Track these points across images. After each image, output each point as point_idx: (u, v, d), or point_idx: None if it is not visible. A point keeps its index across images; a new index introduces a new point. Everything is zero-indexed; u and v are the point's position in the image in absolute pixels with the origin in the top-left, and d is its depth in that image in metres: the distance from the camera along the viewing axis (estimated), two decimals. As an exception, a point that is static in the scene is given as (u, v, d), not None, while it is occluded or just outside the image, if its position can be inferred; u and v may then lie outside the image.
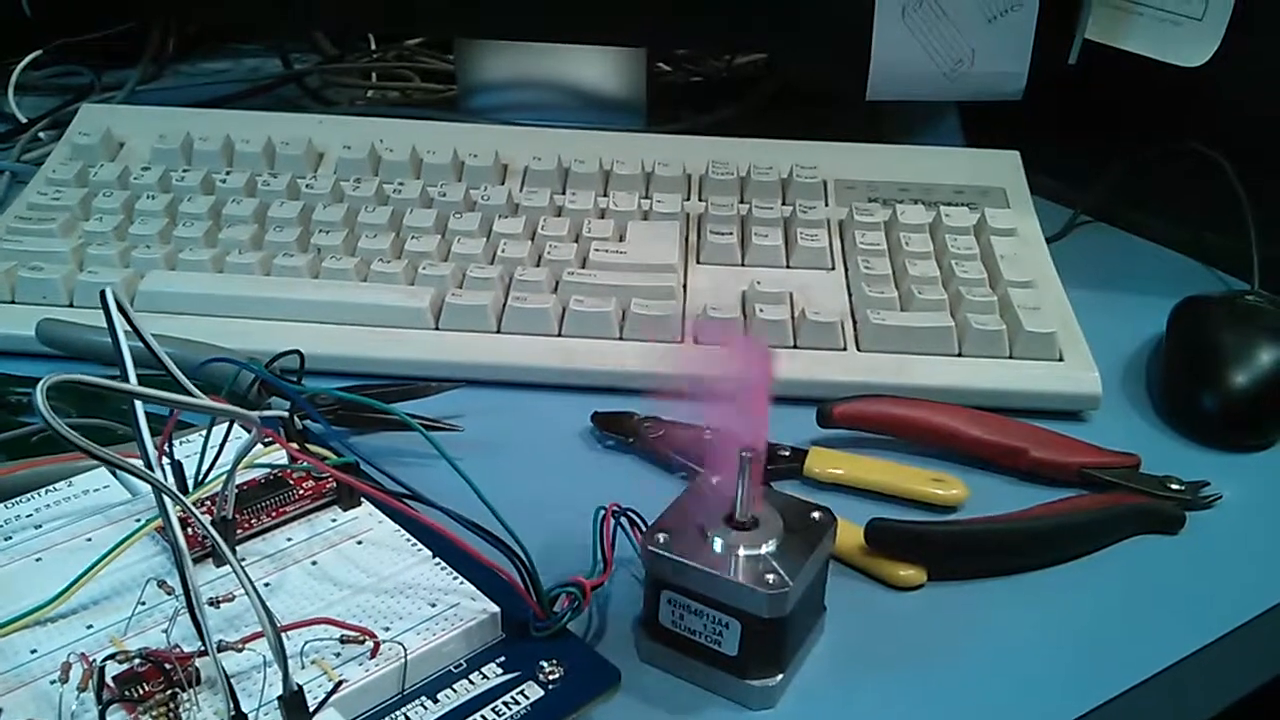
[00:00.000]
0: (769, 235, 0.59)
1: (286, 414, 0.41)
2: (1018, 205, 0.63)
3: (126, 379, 0.34)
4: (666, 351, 0.52)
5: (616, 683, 0.36)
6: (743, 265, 0.59)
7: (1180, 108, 0.67)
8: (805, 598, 0.37)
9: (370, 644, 0.34)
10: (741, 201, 0.63)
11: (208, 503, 0.38)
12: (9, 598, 0.36)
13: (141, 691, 0.31)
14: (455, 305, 0.54)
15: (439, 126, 0.68)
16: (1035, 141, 0.66)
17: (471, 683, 0.35)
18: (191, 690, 0.32)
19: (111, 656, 0.32)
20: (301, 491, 0.41)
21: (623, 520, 0.40)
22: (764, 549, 0.36)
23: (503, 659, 0.36)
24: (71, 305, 0.55)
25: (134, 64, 0.84)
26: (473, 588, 0.37)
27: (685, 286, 0.57)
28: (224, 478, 0.37)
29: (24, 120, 0.79)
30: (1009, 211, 0.62)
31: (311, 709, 0.32)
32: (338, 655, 0.34)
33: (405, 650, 0.34)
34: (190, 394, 0.36)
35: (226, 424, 0.39)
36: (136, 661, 0.32)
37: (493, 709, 0.34)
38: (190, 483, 0.39)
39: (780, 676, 0.37)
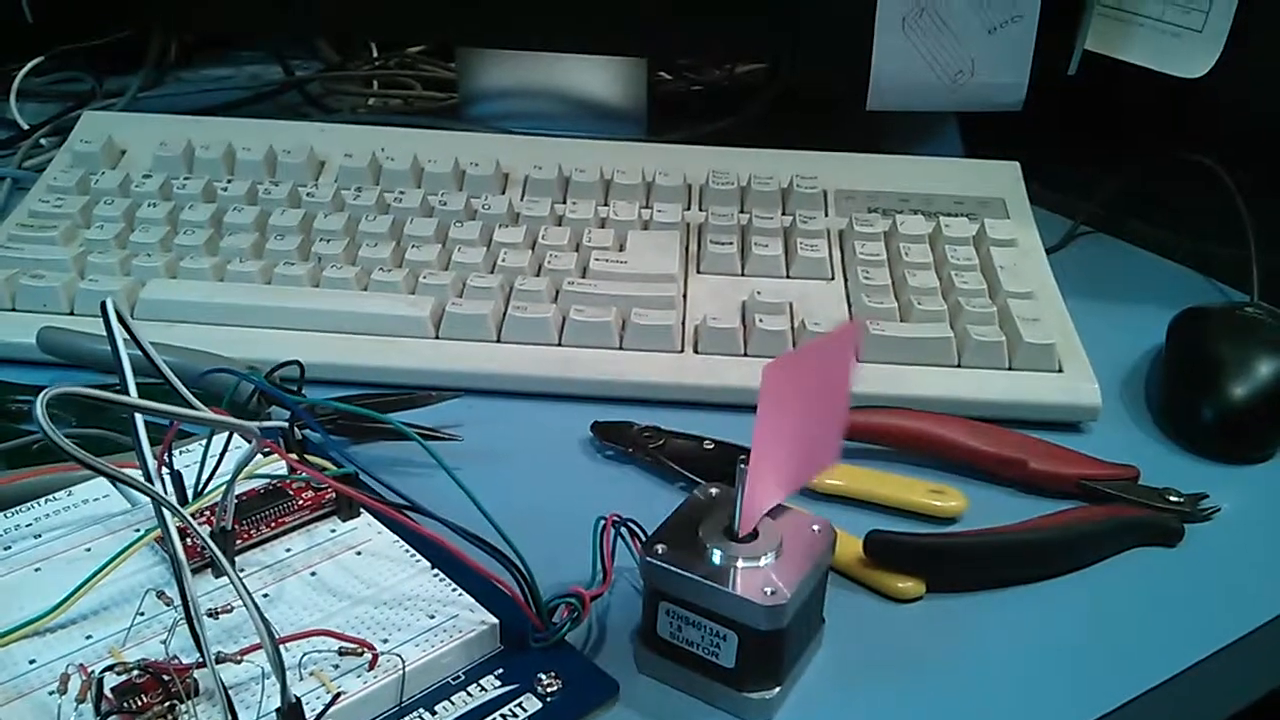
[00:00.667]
0: (769, 245, 0.59)
1: (286, 425, 0.41)
2: (1017, 216, 0.63)
3: (126, 389, 0.34)
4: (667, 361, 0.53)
5: (614, 695, 0.36)
6: (743, 275, 0.59)
7: (1180, 119, 0.67)
8: (803, 610, 0.37)
9: (369, 655, 0.34)
10: (742, 211, 0.63)
11: (207, 513, 0.38)
12: (8, 608, 0.36)
13: (140, 703, 0.31)
14: (455, 314, 0.54)
15: (440, 135, 0.68)
16: (1035, 152, 0.66)
17: (470, 695, 0.35)
18: (190, 702, 0.32)
19: (110, 667, 0.32)
20: (301, 502, 0.41)
21: (623, 530, 0.40)
22: (762, 561, 0.36)
23: (501, 671, 0.36)
24: (72, 313, 0.55)
25: (135, 70, 0.85)
26: (471, 599, 0.37)
27: (685, 296, 0.57)
28: (223, 488, 0.37)
29: (25, 127, 0.79)
30: (1009, 222, 0.62)
31: (309, 721, 0.32)
32: (336, 667, 0.34)
33: (404, 662, 0.34)
34: (190, 405, 0.36)
35: (226, 434, 0.39)
36: (135, 673, 0.32)
37: (491, 721, 0.34)
38: (190, 493, 0.39)
39: (778, 689, 0.37)
